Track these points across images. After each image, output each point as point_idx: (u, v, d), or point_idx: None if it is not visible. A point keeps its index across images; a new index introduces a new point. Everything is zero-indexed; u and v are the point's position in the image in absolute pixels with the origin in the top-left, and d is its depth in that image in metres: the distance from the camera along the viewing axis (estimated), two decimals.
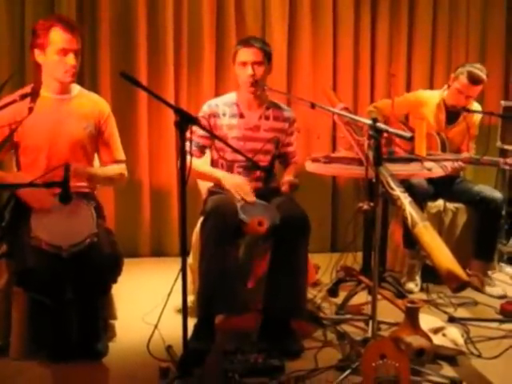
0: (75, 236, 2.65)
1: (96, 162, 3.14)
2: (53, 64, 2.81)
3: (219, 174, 3.22)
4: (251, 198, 3.07)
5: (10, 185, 2.81)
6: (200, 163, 3.26)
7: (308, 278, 3.38)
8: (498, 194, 3.82)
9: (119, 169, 3.10)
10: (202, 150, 3.28)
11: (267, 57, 3.20)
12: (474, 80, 3.79)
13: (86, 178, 2.91)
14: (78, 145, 2.93)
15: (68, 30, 2.77)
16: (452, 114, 3.98)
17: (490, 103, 4.81)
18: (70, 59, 2.79)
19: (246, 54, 3.15)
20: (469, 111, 3.91)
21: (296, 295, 3.00)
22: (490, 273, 3.86)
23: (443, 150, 3.87)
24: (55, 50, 2.77)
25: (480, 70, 3.82)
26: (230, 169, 3.26)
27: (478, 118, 4.06)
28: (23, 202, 2.76)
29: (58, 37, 2.76)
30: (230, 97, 3.31)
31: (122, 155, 3.12)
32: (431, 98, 4.01)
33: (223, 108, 3.25)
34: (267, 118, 3.29)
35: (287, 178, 3.24)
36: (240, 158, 3.10)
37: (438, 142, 3.87)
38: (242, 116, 3.25)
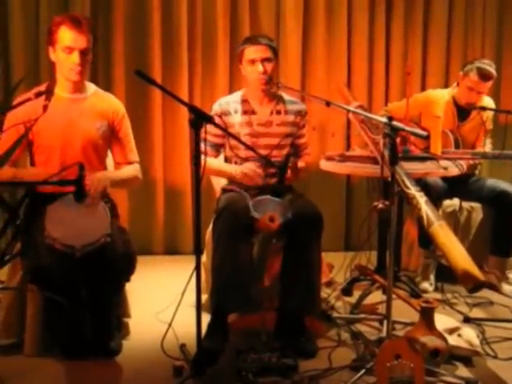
0: (89, 236, 2.65)
1: (109, 160, 3.14)
2: (60, 61, 2.82)
3: (229, 168, 3.22)
4: (259, 181, 3.10)
5: (24, 182, 2.82)
6: (215, 161, 3.26)
7: (322, 277, 3.37)
8: None
9: (133, 171, 3.09)
10: (216, 149, 3.28)
11: (274, 52, 3.20)
12: (484, 76, 3.75)
13: (107, 185, 2.85)
14: (91, 144, 2.93)
15: (75, 28, 2.77)
16: (463, 111, 3.94)
17: (506, 101, 4.77)
18: (75, 57, 2.78)
19: (255, 52, 3.15)
20: (485, 109, 3.88)
21: (310, 291, 2.99)
22: (507, 272, 3.83)
23: (457, 147, 3.83)
24: (61, 48, 2.79)
25: (489, 66, 3.77)
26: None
27: (490, 112, 4.01)
28: (40, 197, 2.76)
29: (64, 34, 2.78)
30: (239, 94, 3.31)
31: (136, 157, 3.12)
32: (441, 97, 3.98)
33: (234, 105, 3.24)
34: (279, 113, 3.28)
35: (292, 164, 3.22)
36: (253, 154, 3.10)
37: (452, 140, 3.84)
38: (253, 112, 3.25)
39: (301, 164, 3.34)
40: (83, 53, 2.80)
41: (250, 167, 3.15)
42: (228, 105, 3.25)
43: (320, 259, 3.10)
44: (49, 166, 2.84)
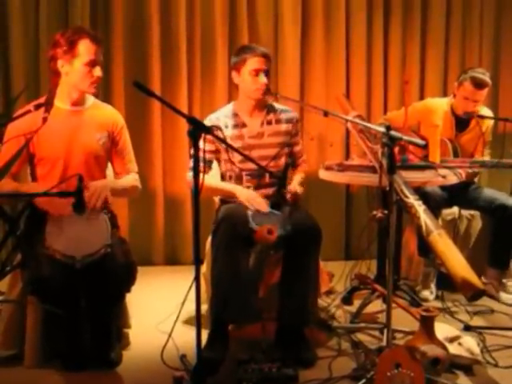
0: (89, 247, 2.66)
1: (109, 171, 3.15)
2: (79, 75, 2.83)
3: (231, 186, 3.22)
4: (265, 208, 3.08)
5: (25, 194, 2.83)
6: (210, 179, 3.25)
7: (322, 286, 3.38)
8: None
9: (133, 180, 3.11)
10: (209, 165, 3.27)
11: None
12: (478, 84, 3.77)
13: (108, 195, 2.84)
14: (91, 156, 2.95)
15: (96, 42, 2.83)
16: (462, 121, 3.95)
17: (504, 109, 4.78)
18: (98, 71, 2.84)
19: (259, 63, 3.16)
20: (483, 117, 3.89)
21: (307, 303, 3.00)
22: (505, 281, 3.83)
23: (455, 156, 3.85)
24: (84, 62, 2.80)
25: (482, 74, 3.79)
26: (238, 178, 3.26)
27: (490, 123, 4.03)
28: (40, 210, 2.78)
29: (87, 48, 2.80)
30: (229, 108, 3.32)
31: (135, 167, 3.14)
32: (439, 106, 3.99)
33: (224, 120, 3.25)
34: (269, 123, 3.29)
35: (291, 187, 3.21)
36: (248, 166, 3.14)
37: (450, 149, 3.85)
38: (244, 125, 3.26)
39: (299, 180, 3.33)
40: (102, 66, 2.86)
41: (255, 194, 3.15)
42: (218, 120, 3.25)
43: (318, 272, 3.12)
44: (51, 179, 2.83)
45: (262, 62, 3.16)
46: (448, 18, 4.80)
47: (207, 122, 3.26)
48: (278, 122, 3.30)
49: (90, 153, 2.94)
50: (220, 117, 3.27)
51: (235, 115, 3.27)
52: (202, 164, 3.15)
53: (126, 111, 4.30)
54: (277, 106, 3.35)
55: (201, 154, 3.16)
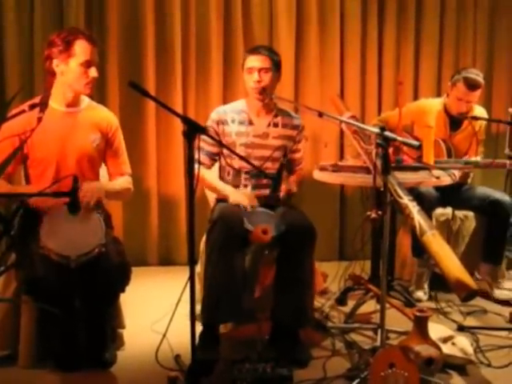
0: (84, 246, 2.66)
1: (103, 171, 3.14)
2: (75, 75, 2.82)
3: (228, 190, 3.21)
4: (254, 201, 3.08)
5: (19, 194, 2.83)
6: (210, 175, 3.28)
7: (316, 287, 3.39)
8: (507, 198, 3.81)
9: (126, 183, 3.11)
10: (212, 157, 3.30)
11: (275, 65, 3.21)
12: (471, 85, 3.78)
13: (101, 196, 2.85)
14: (85, 158, 2.94)
15: (92, 42, 2.83)
16: (455, 121, 3.97)
17: (497, 110, 4.80)
18: (93, 72, 2.84)
19: (253, 61, 3.17)
20: (476, 119, 3.91)
21: (302, 303, 3.00)
22: (500, 280, 3.85)
23: (449, 156, 3.86)
24: (79, 62, 2.80)
25: (476, 75, 3.80)
26: (237, 176, 3.27)
27: (483, 121, 4.05)
28: (34, 210, 2.78)
29: (83, 49, 2.80)
30: (239, 104, 3.33)
31: (128, 169, 3.14)
32: (433, 106, 4.00)
33: (232, 115, 3.26)
34: (276, 126, 3.30)
35: (285, 185, 3.24)
36: (247, 165, 3.12)
37: (444, 149, 3.87)
38: (250, 123, 3.27)
39: (293, 185, 3.35)
40: (97, 67, 2.85)
41: (244, 197, 3.14)
42: (225, 113, 3.26)
43: (312, 272, 3.12)
44: (44, 180, 2.83)
45: (257, 60, 3.16)
46: (442, 19, 4.83)
47: (214, 113, 3.28)
48: (285, 126, 3.31)
49: (84, 154, 2.93)
50: (228, 111, 3.28)
51: (244, 112, 3.28)
52: (203, 156, 3.18)
53: (121, 111, 4.30)
54: (286, 110, 3.36)
55: (204, 146, 3.19)
